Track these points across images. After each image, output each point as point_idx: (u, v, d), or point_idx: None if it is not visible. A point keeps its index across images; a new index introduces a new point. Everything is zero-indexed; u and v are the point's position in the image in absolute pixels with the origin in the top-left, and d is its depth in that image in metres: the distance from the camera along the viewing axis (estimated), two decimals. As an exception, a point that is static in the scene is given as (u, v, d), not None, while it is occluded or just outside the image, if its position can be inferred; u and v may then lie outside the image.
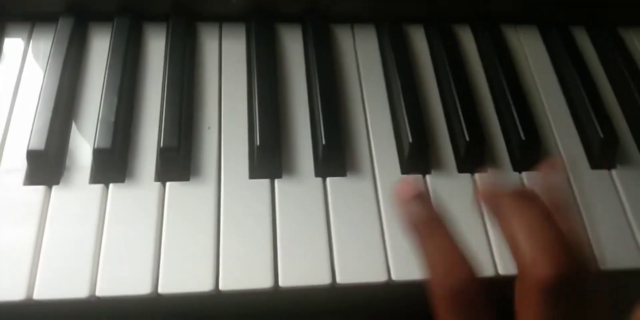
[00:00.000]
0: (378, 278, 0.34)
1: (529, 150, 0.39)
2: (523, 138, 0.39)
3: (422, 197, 0.26)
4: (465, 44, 0.46)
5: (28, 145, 0.35)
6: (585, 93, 0.42)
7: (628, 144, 0.42)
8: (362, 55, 0.44)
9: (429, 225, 0.25)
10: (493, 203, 0.25)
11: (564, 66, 0.44)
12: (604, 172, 0.40)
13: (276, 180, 0.37)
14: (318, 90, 0.40)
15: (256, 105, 0.38)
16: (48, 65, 0.39)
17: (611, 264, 0.35)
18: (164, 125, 0.36)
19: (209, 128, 0.38)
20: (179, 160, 0.36)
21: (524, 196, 0.25)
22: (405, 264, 0.34)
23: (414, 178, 0.34)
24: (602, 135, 0.39)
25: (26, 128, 0.37)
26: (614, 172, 0.40)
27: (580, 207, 0.38)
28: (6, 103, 0.39)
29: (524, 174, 0.39)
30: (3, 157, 0.36)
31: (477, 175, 0.38)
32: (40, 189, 0.35)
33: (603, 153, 0.40)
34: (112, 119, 0.36)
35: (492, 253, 0.35)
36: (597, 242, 0.36)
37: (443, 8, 0.45)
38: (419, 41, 0.45)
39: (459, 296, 0.23)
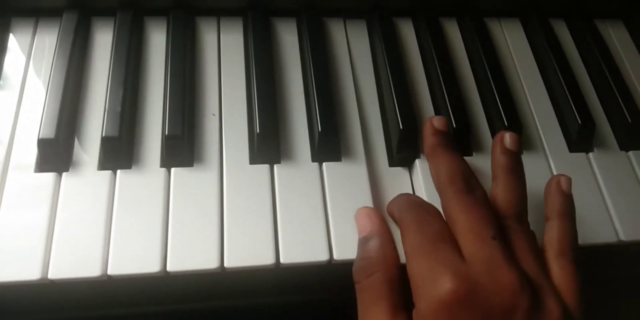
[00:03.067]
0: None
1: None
2: (506, 124, 0.41)
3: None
4: (451, 35, 0.48)
5: (39, 134, 0.37)
6: (564, 82, 0.44)
7: (604, 129, 0.44)
8: (354, 47, 0.46)
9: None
10: (429, 149, 0.37)
11: (544, 56, 0.47)
12: (581, 155, 0.42)
13: (275, 166, 0.39)
14: (313, 80, 0.42)
15: (255, 95, 0.40)
16: (55, 59, 0.40)
17: (590, 240, 0.38)
18: (168, 114, 0.38)
19: (213, 115, 0.40)
20: (183, 147, 0.38)
21: (449, 146, 0.37)
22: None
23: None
24: (580, 121, 0.42)
25: (35, 119, 0.39)
26: (591, 155, 0.42)
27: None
28: (14, 95, 0.40)
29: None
30: (14, 146, 0.38)
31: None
32: (50, 175, 0.37)
33: (581, 138, 0.42)
34: (119, 109, 0.38)
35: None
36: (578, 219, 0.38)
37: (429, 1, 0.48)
38: (408, 33, 0.48)
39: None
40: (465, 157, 0.38)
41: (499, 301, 0.28)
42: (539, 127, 0.43)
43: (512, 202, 0.34)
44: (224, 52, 0.44)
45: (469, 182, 0.33)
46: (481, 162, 0.40)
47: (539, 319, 0.28)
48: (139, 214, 0.36)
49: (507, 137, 0.36)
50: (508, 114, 0.42)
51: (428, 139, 0.37)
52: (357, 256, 0.34)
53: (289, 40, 0.46)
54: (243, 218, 0.36)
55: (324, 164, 0.39)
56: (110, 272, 0.34)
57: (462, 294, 0.28)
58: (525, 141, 0.42)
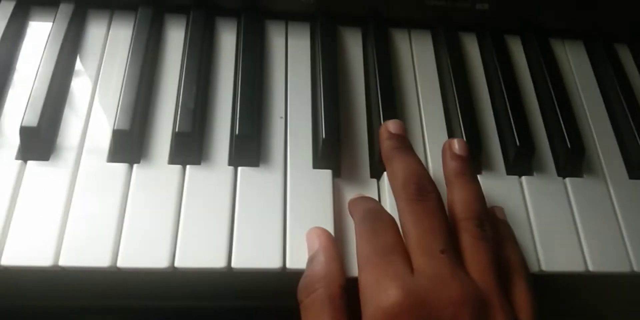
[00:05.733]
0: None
1: (575, 158, 0.41)
2: (569, 146, 0.41)
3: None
4: (515, 54, 0.49)
5: (114, 125, 0.38)
6: (626, 106, 0.45)
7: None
8: (418, 58, 0.47)
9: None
10: (386, 153, 0.37)
11: (607, 80, 0.47)
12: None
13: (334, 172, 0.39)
14: (379, 89, 0.42)
15: (321, 101, 0.41)
16: (130, 53, 0.41)
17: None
18: (240, 115, 0.39)
19: (281, 118, 0.41)
20: (252, 147, 0.39)
21: (406, 149, 0.36)
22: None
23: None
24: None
25: (108, 110, 0.40)
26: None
27: (618, 213, 0.40)
28: (89, 86, 0.41)
29: (567, 180, 0.41)
30: (87, 136, 0.39)
31: (523, 178, 0.41)
32: (123, 166, 0.38)
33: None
34: (192, 105, 0.39)
35: (536, 249, 0.38)
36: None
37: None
38: (472, 48, 0.48)
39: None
40: (524, 177, 0.39)
41: (443, 316, 0.28)
42: (599, 151, 0.44)
43: (468, 203, 0.33)
44: (291, 55, 0.45)
45: (422, 187, 0.33)
46: (541, 183, 0.41)
47: None
48: (206, 209, 0.36)
49: (456, 144, 0.36)
50: (571, 136, 0.42)
51: (383, 143, 0.37)
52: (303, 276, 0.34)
53: (353, 48, 0.47)
54: (305, 220, 0.37)
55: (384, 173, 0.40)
56: (177, 264, 0.34)
57: (405, 308, 0.28)
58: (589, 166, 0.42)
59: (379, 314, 0.28)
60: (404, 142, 0.37)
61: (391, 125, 0.37)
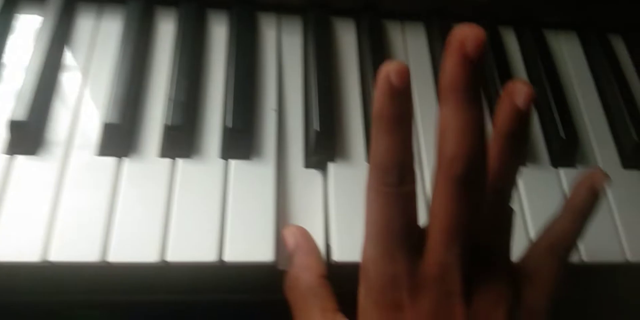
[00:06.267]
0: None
1: (569, 148, 0.41)
2: (563, 137, 0.41)
3: (406, 92, 0.25)
4: (509, 45, 0.48)
5: (103, 118, 0.37)
6: (620, 96, 0.44)
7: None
8: (411, 52, 0.46)
9: (396, 122, 0.26)
10: (446, 88, 0.25)
11: (601, 71, 0.47)
12: (634, 172, 0.42)
13: (330, 164, 0.39)
14: (371, 80, 0.42)
15: (314, 94, 0.41)
16: (120, 45, 0.41)
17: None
18: (233, 107, 0.39)
19: (273, 110, 0.41)
20: (245, 140, 0.38)
21: (475, 94, 0.25)
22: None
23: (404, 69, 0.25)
24: (635, 138, 0.42)
25: (98, 103, 0.40)
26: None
27: (612, 203, 0.40)
28: (79, 78, 0.41)
29: (560, 170, 0.41)
30: (77, 129, 0.39)
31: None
32: (112, 160, 0.37)
33: (635, 153, 0.42)
34: (183, 98, 0.39)
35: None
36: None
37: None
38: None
39: (395, 187, 0.26)
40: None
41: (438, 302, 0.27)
42: (593, 143, 0.43)
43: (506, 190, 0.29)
44: (284, 47, 0.45)
45: (476, 173, 0.26)
46: (535, 173, 0.41)
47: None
48: (197, 203, 0.36)
49: (522, 92, 0.26)
50: (566, 127, 0.42)
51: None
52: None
53: (346, 40, 0.46)
54: (296, 214, 0.37)
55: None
56: (168, 258, 0.34)
57: (403, 291, 0.27)
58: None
59: (374, 294, 0.28)
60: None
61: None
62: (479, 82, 0.25)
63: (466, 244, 0.27)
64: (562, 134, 0.41)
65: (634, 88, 0.47)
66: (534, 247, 0.32)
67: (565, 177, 0.41)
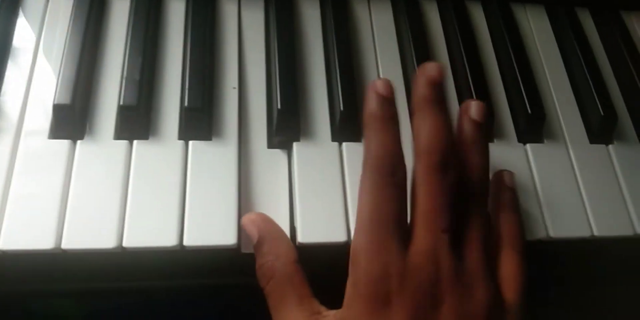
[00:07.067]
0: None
1: (535, 123, 0.41)
2: (529, 111, 0.41)
3: (390, 98, 0.32)
4: (476, 18, 0.47)
5: (54, 99, 0.35)
6: (587, 71, 0.44)
7: (625, 121, 0.44)
8: (377, 27, 0.45)
9: (386, 121, 0.32)
10: (418, 103, 0.32)
11: (568, 44, 0.46)
12: (601, 147, 0.42)
13: (294, 144, 0.38)
14: (336, 57, 0.41)
15: (276, 70, 0.39)
16: (70, 23, 0.39)
17: (606, 232, 0.38)
18: (188, 86, 0.37)
19: (234, 88, 0.39)
20: (203, 120, 0.37)
21: (440, 105, 0.32)
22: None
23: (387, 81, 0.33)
24: (602, 112, 0.42)
25: (49, 85, 0.38)
26: (610, 147, 0.42)
27: (579, 178, 0.40)
28: (28, 59, 0.39)
29: (527, 145, 0.41)
30: (27, 112, 0.37)
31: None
32: (65, 142, 0.36)
33: (602, 129, 0.42)
34: (137, 77, 0.37)
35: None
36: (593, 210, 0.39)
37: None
38: (432, 15, 0.47)
39: (387, 177, 0.30)
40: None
41: (426, 293, 0.29)
42: (560, 116, 0.43)
43: (480, 178, 0.33)
44: (244, 22, 0.43)
45: (447, 160, 0.31)
46: (502, 150, 0.40)
47: (467, 308, 0.29)
48: (156, 186, 0.35)
49: (473, 107, 0.33)
50: (532, 101, 0.41)
51: (417, 95, 0.33)
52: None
53: (311, 15, 0.45)
54: (260, 195, 0.36)
55: (343, 143, 0.38)
56: (125, 244, 0.33)
57: (392, 282, 0.29)
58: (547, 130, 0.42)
59: (363, 282, 0.29)
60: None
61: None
62: (442, 96, 0.32)
63: (448, 229, 0.30)
64: (528, 109, 0.41)
65: (600, 63, 0.46)
66: (497, 251, 0.34)
67: (532, 153, 0.40)
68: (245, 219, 0.35)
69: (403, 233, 0.30)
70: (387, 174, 0.30)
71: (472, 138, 0.33)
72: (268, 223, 0.35)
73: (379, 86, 0.32)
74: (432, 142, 0.31)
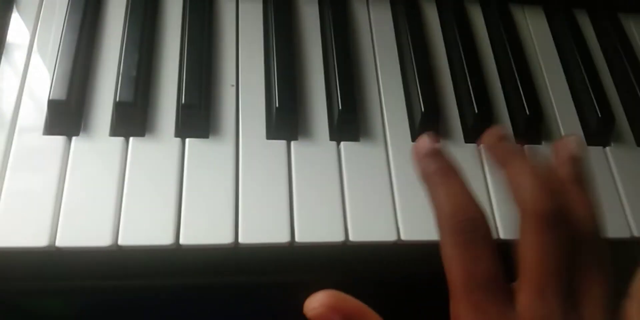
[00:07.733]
0: (387, 237, 0.36)
1: (533, 125, 0.41)
2: (527, 113, 0.40)
3: (437, 152, 0.28)
4: (474, 20, 0.47)
5: (49, 95, 0.35)
6: (585, 73, 0.44)
7: (622, 123, 0.44)
8: (376, 26, 0.45)
9: (442, 174, 0.27)
10: (499, 153, 0.29)
11: (566, 46, 0.46)
12: (598, 149, 0.42)
13: (292, 142, 0.38)
14: (335, 56, 0.40)
15: (274, 68, 0.39)
16: (66, 18, 0.38)
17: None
18: (185, 83, 0.37)
19: (232, 85, 0.39)
20: (200, 117, 0.36)
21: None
22: (415, 224, 0.36)
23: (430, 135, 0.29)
24: (599, 115, 0.42)
25: (44, 80, 0.37)
26: (607, 149, 0.42)
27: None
28: (22, 55, 0.38)
29: (525, 147, 0.41)
30: (22, 108, 0.36)
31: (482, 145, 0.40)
32: (60, 139, 0.35)
33: (599, 130, 0.42)
34: (134, 73, 0.36)
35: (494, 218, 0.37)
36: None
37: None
38: (431, 14, 0.47)
39: (466, 233, 0.26)
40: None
41: None
42: (558, 118, 0.43)
43: (592, 217, 0.28)
44: (242, 20, 0.43)
45: (561, 216, 0.26)
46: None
47: None
48: (152, 184, 0.34)
49: (573, 143, 0.30)
50: (530, 103, 0.41)
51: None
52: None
53: (309, 13, 0.44)
54: (258, 193, 0.35)
55: (341, 143, 0.38)
56: (121, 242, 0.32)
57: None
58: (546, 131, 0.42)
59: None
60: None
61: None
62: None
63: (562, 292, 0.25)
64: (527, 111, 0.41)
65: (598, 65, 0.46)
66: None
67: (531, 154, 0.40)
68: (310, 301, 0.25)
69: (503, 292, 0.26)
70: (466, 231, 0.26)
71: (575, 176, 0.29)
72: (346, 301, 0.26)
73: (421, 144, 0.28)
74: (536, 194, 0.26)
